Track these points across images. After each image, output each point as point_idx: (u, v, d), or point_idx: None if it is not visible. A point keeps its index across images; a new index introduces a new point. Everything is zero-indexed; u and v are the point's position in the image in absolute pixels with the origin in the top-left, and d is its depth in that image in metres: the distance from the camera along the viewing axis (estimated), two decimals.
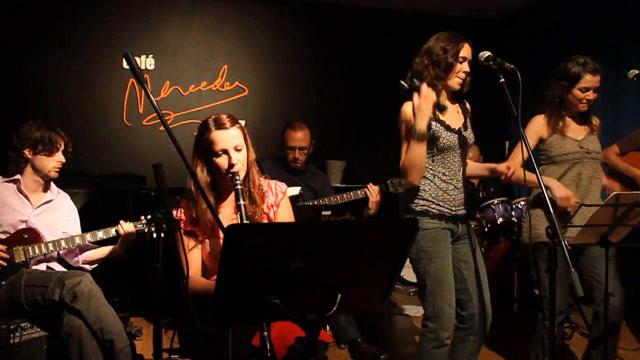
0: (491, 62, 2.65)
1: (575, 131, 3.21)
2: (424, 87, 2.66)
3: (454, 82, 2.79)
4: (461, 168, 2.88)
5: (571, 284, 2.20)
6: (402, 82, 2.73)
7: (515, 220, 4.89)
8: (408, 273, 5.91)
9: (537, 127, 3.24)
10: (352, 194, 4.01)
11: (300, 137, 4.21)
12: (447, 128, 2.81)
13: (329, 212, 3.46)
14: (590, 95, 3.13)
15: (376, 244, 1.66)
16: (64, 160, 3.28)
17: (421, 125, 2.68)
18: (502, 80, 2.57)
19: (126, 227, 3.19)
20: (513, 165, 2.94)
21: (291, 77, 6.46)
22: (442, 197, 2.82)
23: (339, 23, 6.61)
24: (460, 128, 2.86)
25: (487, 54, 2.68)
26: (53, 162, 3.25)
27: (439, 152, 2.81)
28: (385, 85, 6.57)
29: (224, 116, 2.45)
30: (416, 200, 2.86)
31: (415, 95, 2.68)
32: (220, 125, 2.41)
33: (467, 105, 2.97)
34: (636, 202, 2.66)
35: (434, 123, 2.78)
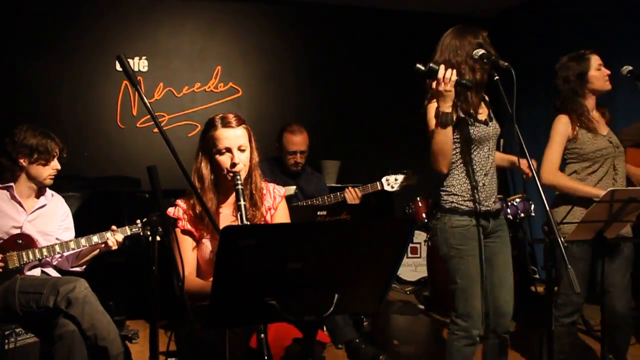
0: (485, 60, 2.65)
1: (600, 127, 3.16)
2: (442, 69, 2.56)
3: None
4: (491, 159, 2.82)
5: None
6: (419, 66, 2.59)
7: (511, 218, 4.89)
8: (405, 272, 5.93)
9: (565, 127, 3.12)
10: (333, 196, 4.02)
11: (300, 141, 4.20)
12: (476, 119, 2.76)
13: (324, 212, 3.46)
14: (605, 69, 3.10)
15: (373, 244, 1.65)
16: (59, 167, 3.25)
17: (445, 108, 2.60)
18: (497, 77, 2.56)
19: (118, 237, 3.15)
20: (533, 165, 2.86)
21: (285, 77, 6.46)
22: (471, 190, 2.76)
23: (333, 23, 6.60)
24: (486, 119, 2.81)
25: (481, 51, 2.67)
26: (49, 170, 3.21)
27: (468, 144, 2.76)
28: (379, 85, 6.63)
29: (231, 115, 2.45)
30: (445, 197, 2.80)
31: (435, 82, 2.59)
32: (226, 124, 2.41)
33: (487, 98, 2.90)
34: (631, 197, 2.66)
35: (462, 115, 2.74)
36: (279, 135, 4.27)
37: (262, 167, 3.98)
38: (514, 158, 3.07)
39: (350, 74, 6.53)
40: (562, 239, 2.18)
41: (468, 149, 2.77)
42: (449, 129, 2.65)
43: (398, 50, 6.54)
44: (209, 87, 6.18)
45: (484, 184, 2.78)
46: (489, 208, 2.79)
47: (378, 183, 4.15)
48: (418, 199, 5.27)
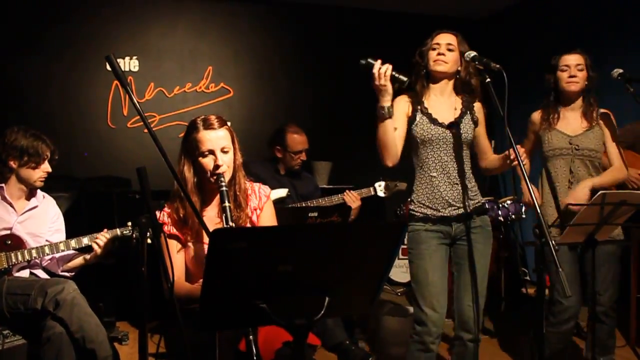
0: (477, 62, 2.65)
1: (570, 126, 3.19)
2: (377, 64, 2.60)
3: (433, 66, 2.78)
4: (455, 165, 2.78)
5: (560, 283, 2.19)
6: (362, 61, 2.66)
7: (502, 220, 4.89)
8: (396, 273, 5.93)
9: (531, 121, 3.32)
10: (328, 199, 4.04)
11: (304, 140, 4.29)
12: (433, 121, 2.76)
13: (315, 214, 3.45)
14: (573, 71, 3.14)
15: (363, 247, 1.65)
16: (50, 170, 3.22)
17: (382, 102, 2.64)
18: (488, 80, 2.56)
19: (99, 241, 3.12)
20: (521, 151, 2.73)
21: (276, 78, 6.44)
22: (427, 196, 2.77)
23: (325, 24, 6.59)
24: (451, 122, 2.78)
25: (472, 53, 2.68)
26: (39, 173, 3.18)
27: (424, 146, 2.77)
28: (371, 86, 6.60)
29: (212, 117, 2.44)
30: (409, 205, 2.86)
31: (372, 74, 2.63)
32: (208, 126, 2.40)
33: (478, 106, 2.87)
34: (622, 200, 2.66)
35: (418, 115, 2.76)
36: (281, 137, 4.26)
37: (256, 169, 4.01)
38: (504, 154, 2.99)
39: (341, 75, 6.50)
40: (553, 242, 2.19)
41: (422, 150, 2.79)
42: (388, 122, 2.67)
43: (389, 52, 6.50)
44: (200, 87, 6.15)
45: (439, 190, 2.77)
46: (445, 214, 2.76)
47: (371, 188, 4.21)
48: (409, 200, 5.26)
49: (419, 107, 2.78)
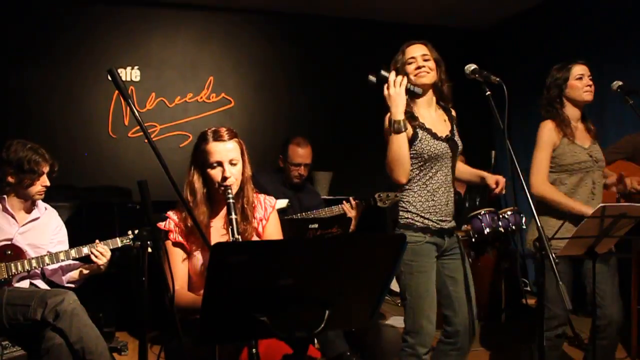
0: (477, 75, 2.66)
1: (582, 139, 3.16)
2: (392, 75, 2.60)
3: (417, 80, 2.75)
4: (450, 177, 2.82)
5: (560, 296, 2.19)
6: (370, 77, 2.66)
7: (502, 231, 4.89)
8: (395, 284, 5.92)
9: (550, 132, 3.12)
10: (328, 209, 4.03)
11: (306, 154, 4.23)
12: (434, 136, 2.76)
13: (316, 225, 3.46)
14: (588, 81, 3.11)
15: (364, 260, 1.64)
16: (48, 184, 3.20)
17: (396, 115, 2.62)
18: (488, 93, 2.57)
19: (100, 249, 3.13)
20: (502, 182, 2.87)
21: (277, 88, 6.46)
22: (428, 208, 2.76)
23: (326, 34, 6.62)
24: (447, 135, 2.81)
25: (472, 66, 2.68)
26: (37, 187, 3.18)
27: (426, 162, 2.76)
28: (372, 97, 6.62)
29: (223, 129, 2.45)
30: (401, 213, 2.82)
31: (385, 86, 2.64)
32: (217, 137, 2.41)
33: (453, 113, 2.93)
34: (622, 213, 2.66)
35: (420, 132, 2.74)
36: (284, 147, 4.27)
37: (262, 180, 4.01)
38: (484, 173, 3.01)
39: (342, 85, 6.54)
40: (553, 254, 2.19)
41: (425, 166, 2.77)
42: (403, 136, 2.65)
43: (390, 62, 6.54)
44: (201, 97, 6.17)
45: (439, 202, 2.78)
46: (443, 226, 2.79)
47: (372, 199, 4.20)
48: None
49: (416, 124, 2.76)
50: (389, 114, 2.70)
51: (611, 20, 5.40)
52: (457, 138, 2.85)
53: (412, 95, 2.71)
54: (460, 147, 2.86)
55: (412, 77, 2.75)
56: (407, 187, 2.80)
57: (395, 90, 2.60)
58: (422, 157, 2.75)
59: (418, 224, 2.77)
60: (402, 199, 2.83)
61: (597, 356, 3.09)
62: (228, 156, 2.40)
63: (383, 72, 2.64)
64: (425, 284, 2.75)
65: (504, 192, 2.85)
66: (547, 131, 3.13)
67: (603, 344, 3.10)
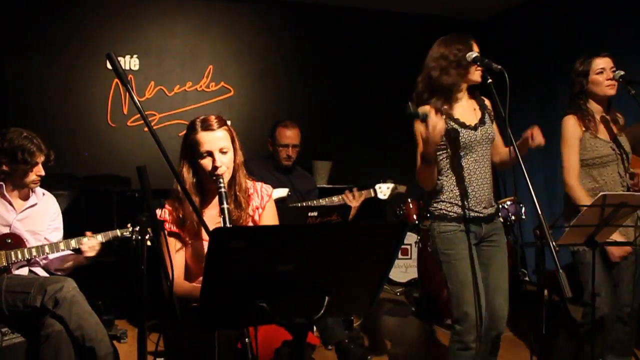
0: (478, 63, 2.65)
1: (605, 132, 3.16)
2: (432, 116, 2.54)
3: (477, 75, 2.74)
4: (483, 165, 2.80)
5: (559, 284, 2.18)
6: (410, 105, 2.62)
7: (502, 221, 4.88)
8: (395, 273, 5.93)
9: (574, 127, 3.13)
10: (328, 199, 4.04)
11: (293, 135, 4.24)
12: (463, 125, 2.75)
13: (315, 214, 3.45)
14: (610, 74, 3.10)
15: (364, 247, 1.64)
16: (43, 173, 3.19)
17: (429, 152, 2.59)
18: (490, 81, 2.56)
19: (90, 242, 3.12)
20: (536, 130, 2.72)
21: (277, 77, 6.43)
22: (461, 197, 2.76)
23: (326, 23, 6.59)
24: (477, 124, 2.80)
25: (474, 54, 2.68)
26: (32, 177, 3.16)
27: (456, 151, 2.76)
28: (372, 86, 6.62)
29: (212, 117, 2.43)
30: (434, 204, 2.82)
31: (423, 125, 2.56)
32: (206, 127, 2.38)
33: (487, 102, 2.90)
34: (622, 202, 2.66)
35: (450, 122, 2.73)
36: (272, 130, 4.29)
37: (253, 166, 4.01)
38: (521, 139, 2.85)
39: (342, 74, 6.52)
40: (553, 242, 2.19)
41: (456, 156, 2.77)
42: (433, 166, 2.69)
43: (390, 51, 6.53)
44: (201, 86, 6.15)
45: (473, 190, 2.78)
46: (479, 214, 2.78)
47: (372, 190, 4.20)
48: (409, 200, 5.28)
49: (445, 116, 2.72)
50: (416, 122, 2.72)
51: (612, 10, 5.37)
52: (487, 126, 2.82)
53: (450, 136, 2.72)
54: (492, 135, 2.83)
55: (476, 71, 2.73)
56: (438, 177, 2.80)
57: (434, 134, 2.51)
58: (453, 147, 2.75)
59: (451, 213, 2.77)
60: (434, 190, 2.82)
61: (613, 346, 3.10)
62: (218, 145, 2.38)
63: (424, 112, 2.59)
64: (464, 271, 2.75)
65: (542, 141, 2.69)
66: (571, 127, 3.13)
67: (619, 334, 3.11)
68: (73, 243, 3.14)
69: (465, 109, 2.82)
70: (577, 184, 3.11)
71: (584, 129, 3.12)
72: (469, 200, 2.77)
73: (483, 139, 2.80)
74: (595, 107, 3.17)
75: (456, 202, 2.77)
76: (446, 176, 2.80)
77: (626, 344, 3.18)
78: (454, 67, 2.72)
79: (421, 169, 2.71)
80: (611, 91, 3.13)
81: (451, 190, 2.79)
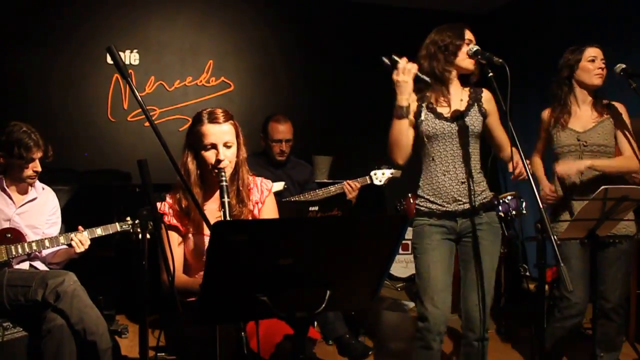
0: (480, 57, 2.64)
1: (580, 122, 3.16)
2: (403, 61, 2.54)
3: (468, 62, 2.70)
4: (461, 159, 2.70)
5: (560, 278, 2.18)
6: (384, 58, 2.59)
7: (502, 215, 4.88)
8: (396, 269, 5.93)
9: (542, 120, 3.32)
10: (325, 189, 4.02)
11: (286, 129, 4.21)
12: (438, 116, 2.70)
13: (316, 208, 3.45)
14: (600, 64, 3.13)
15: (365, 240, 1.64)
16: (39, 169, 3.17)
17: (401, 101, 2.57)
18: (491, 74, 2.55)
19: (81, 238, 3.11)
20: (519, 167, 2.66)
21: (277, 72, 6.42)
22: (432, 191, 2.72)
23: (326, 18, 6.58)
24: (457, 115, 2.70)
25: (475, 48, 2.67)
26: (28, 172, 3.15)
27: (430, 142, 2.71)
28: (372, 80, 6.59)
29: (219, 110, 2.42)
30: (417, 199, 2.82)
31: (395, 71, 2.57)
32: (212, 119, 2.38)
33: (485, 94, 2.78)
34: (624, 196, 2.65)
35: (423, 111, 2.71)
36: (264, 126, 4.27)
37: (249, 162, 3.99)
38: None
39: (342, 69, 6.51)
40: (555, 237, 2.18)
41: (430, 146, 2.73)
42: (404, 121, 2.62)
43: (390, 46, 6.46)
44: (201, 81, 6.14)
45: (445, 184, 2.71)
46: (449, 208, 2.71)
47: (367, 177, 4.17)
48: (409, 195, 5.27)
49: (424, 104, 2.72)
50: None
51: (613, 3, 5.35)
52: (472, 118, 2.71)
53: (420, 82, 2.63)
54: (476, 128, 2.72)
55: (467, 59, 2.70)
56: (422, 171, 2.80)
57: (404, 78, 2.54)
58: (425, 136, 2.72)
59: (423, 208, 2.75)
60: (419, 183, 2.81)
61: (601, 341, 3.09)
62: (223, 138, 2.37)
63: (395, 57, 2.58)
64: (427, 267, 2.68)
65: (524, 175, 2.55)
66: (544, 117, 3.31)
67: (605, 329, 3.10)
68: (72, 236, 3.14)
69: (450, 99, 2.74)
70: (535, 160, 3.43)
71: (553, 121, 3.22)
72: (440, 195, 2.71)
73: (462, 131, 2.70)
74: (580, 97, 3.20)
75: (427, 196, 2.75)
76: (424, 171, 2.78)
77: (614, 338, 3.17)
78: (442, 52, 2.69)
79: (391, 130, 2.63)
80: (598, 80, 3.15)
81: (425, 186, 2.77)
